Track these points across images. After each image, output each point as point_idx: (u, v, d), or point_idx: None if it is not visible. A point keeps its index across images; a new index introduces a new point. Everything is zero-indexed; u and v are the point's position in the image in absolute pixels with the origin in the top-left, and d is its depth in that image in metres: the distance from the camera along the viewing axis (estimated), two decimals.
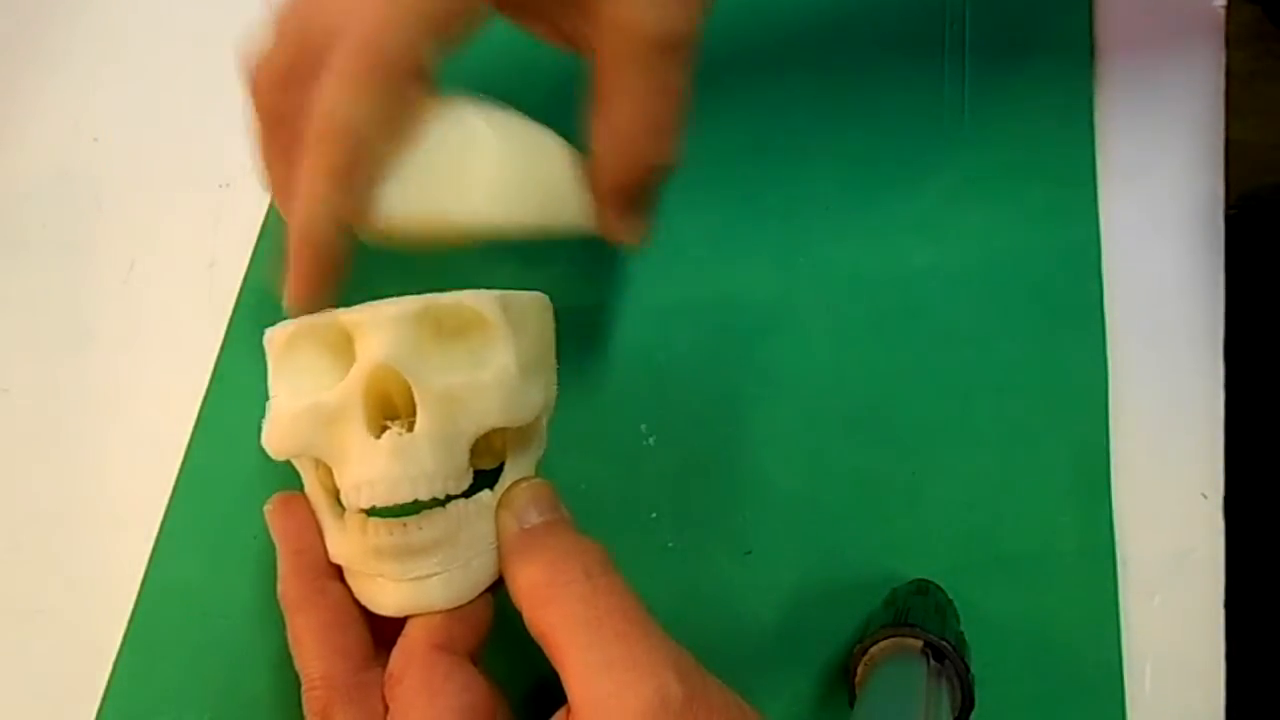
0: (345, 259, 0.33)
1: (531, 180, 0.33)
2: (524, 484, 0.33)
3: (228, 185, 0.48)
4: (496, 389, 0.32)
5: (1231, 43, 0.40)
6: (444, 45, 0.32)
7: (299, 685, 0.32)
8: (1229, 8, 0.41)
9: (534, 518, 0.32)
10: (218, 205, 0.47)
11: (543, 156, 0.34)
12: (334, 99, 0.31)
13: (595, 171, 0.34)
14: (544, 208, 0.34)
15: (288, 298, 0.33)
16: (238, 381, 0.43)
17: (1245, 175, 0.38)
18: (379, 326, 0.31)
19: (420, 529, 0.31)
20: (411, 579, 0.31)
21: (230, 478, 0.41)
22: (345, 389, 0.31)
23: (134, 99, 0.51)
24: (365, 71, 0.31)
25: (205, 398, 0.43)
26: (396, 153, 0.32)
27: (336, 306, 0.33)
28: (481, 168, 0.33)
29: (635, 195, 0.35)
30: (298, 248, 0.32)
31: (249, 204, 0.46)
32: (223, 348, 0.44)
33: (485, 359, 0.32)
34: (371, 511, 0.31)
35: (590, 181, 0.35)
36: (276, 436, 0.32)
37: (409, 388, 0.31)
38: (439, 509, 0.32)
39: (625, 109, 0.33)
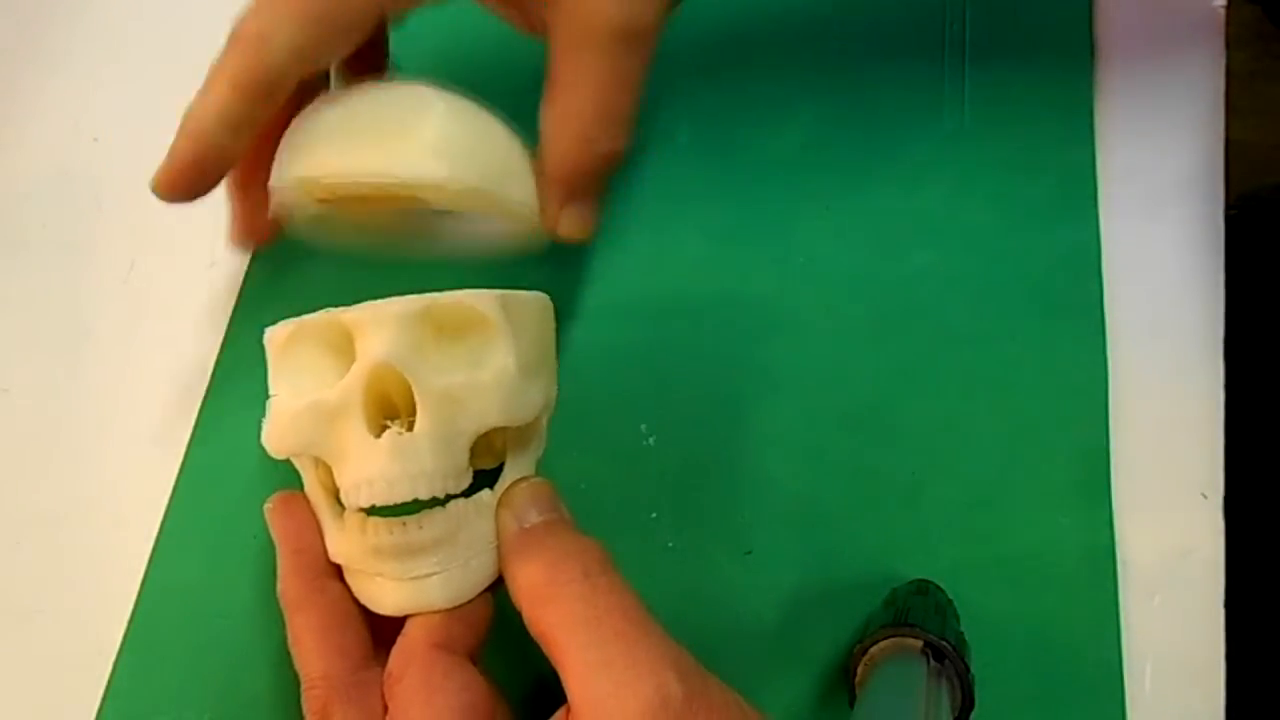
0: (224, 163, 0.33)
1: (474, 147, 0.33)
2: (524, 483, 0.33)
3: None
4: (496, 388, 0.32)
5: (1231, 43, 0.40)
6: (388, 4, 0.32)
7: (299, 685, 0.32)
8: (1229, 8, 0.41)
9: (534, 517, 0.32)
10: (218, 205, 0.47)
11: (489, 130, 0.34)
12: (260, 18, 0.31)
13: (544, 157, 0.34)
14: (485, 175, 0.33)
15: (156, 181, 0.34)
16: (238, 381, 0.43)
17: (1245, 175, 0.39)
18: (379, 325, 0.31)
19: (420, 528, 0.31)
20: (411, 578, 0.31)
21: (230, 478, 0.41)
22: (345, 388, 0.31)
23: (134, 99, 0.51)
24: (299, 4, 0.31)
25: (205, 398, 0.43)
26: (342, 112, 0.32)
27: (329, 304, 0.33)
28: (423, 127, 0.33)
29: (582, 185, 0.34)
30: (179, 137, 0.33)
31: None
32: (223, 348, 0.44)
33: (485, 358, 0.32)
34: (371, 510, 0.31)
35: (538, 168, 0.34)
36: (276, 435, 0.32)
37: (409, 387, 0.31)
38: (439, 508, 0.32)
39: (579, 95, 0.33)
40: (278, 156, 0.33)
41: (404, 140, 0.32)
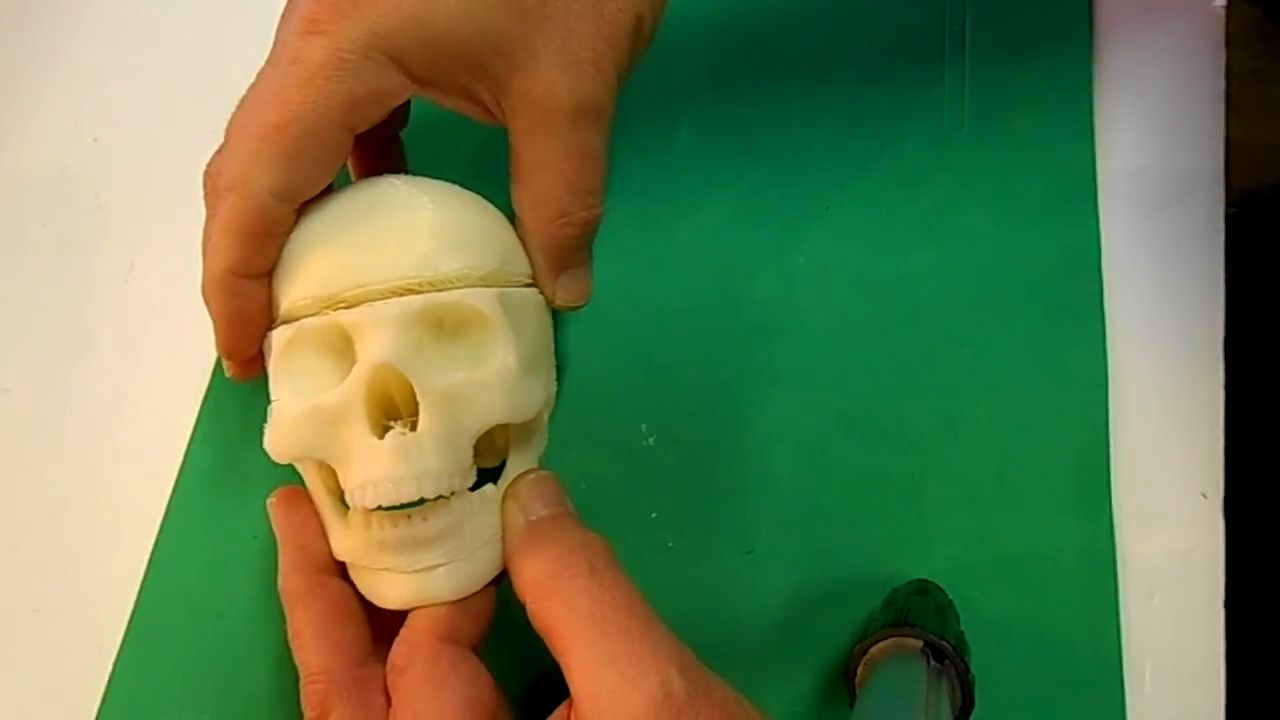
0: (260, 304, 0.33)
1: (479, 230, 0.33)
2: (530, 476, 0.33)
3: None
4: (498, 386, 0.32)
5: (1231, 43, 0.40)
6: (359, 125, 0.32)
7: (299, 684, 0.32)
8: (1229, 8, 0.41)
9: (540, 510, 0.32)
10: None
11: (478, 212, 0.34)
12: (238, 162, 0.31)
13: (524, 238, 0.34)
14: (499, 256, 0.33)
15: (223, 359, 0.34)
16: (237, 382, 0.43)
17: (1245, 175, 0.39)
18: (379, 326, 0.31)
19: (425, 520, 0.31)
20: (417, 570, 0.31)
21: (230, 478, 0.41)
22: (347, 389, 0.31)
23: (134, 99, 0.51)
24: (272, 145, 0.31)
25: (205, 398, 0.43)
26: (334, 224, 0.32)
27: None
28: (422, 222, 0.32)
29: (569, 257, 0.35)
30: (211, 307, 0.33)
31: None
32: None
33: (486, 356, 0.32)
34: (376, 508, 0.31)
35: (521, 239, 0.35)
36: (279, 439, 0.32)
37: (411, 387, 0.31)
38: (443, 500, 0.32)
39: (548, 177, 0.33)
40: (280, 281, 0.33)
41: (411, 238, 0.32)
